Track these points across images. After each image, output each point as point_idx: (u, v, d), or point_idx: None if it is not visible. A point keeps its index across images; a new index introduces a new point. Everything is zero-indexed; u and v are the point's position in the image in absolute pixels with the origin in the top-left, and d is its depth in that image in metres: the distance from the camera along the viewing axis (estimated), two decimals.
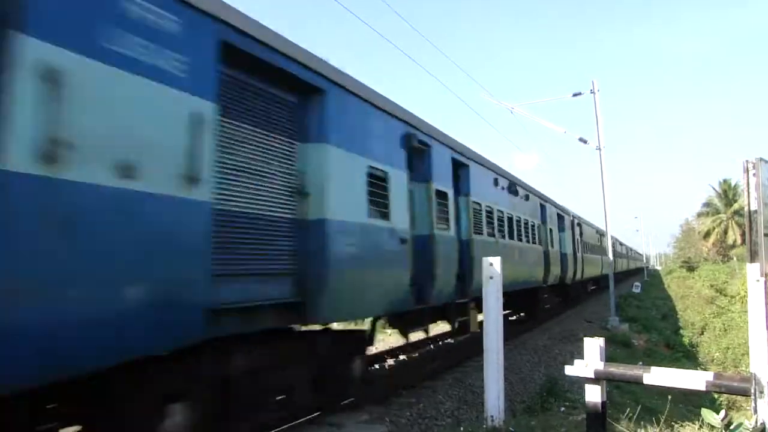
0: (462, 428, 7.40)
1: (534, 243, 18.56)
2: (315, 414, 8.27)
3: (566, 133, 29.53)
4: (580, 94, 25.06)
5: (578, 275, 27.58)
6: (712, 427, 4.84)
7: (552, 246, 21.31)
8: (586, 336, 6.19)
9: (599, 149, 24.60)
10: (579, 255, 28.02)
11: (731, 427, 4.61)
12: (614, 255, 40.71)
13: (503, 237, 14.71)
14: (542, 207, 20.86)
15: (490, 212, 13.76)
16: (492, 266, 7.88)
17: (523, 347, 15.58)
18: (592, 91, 24.61)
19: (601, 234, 37.22)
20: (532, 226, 18.55)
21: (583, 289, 34.68)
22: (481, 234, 12.86)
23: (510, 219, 15.57)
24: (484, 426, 7.28)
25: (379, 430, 7.88)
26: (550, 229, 21.52)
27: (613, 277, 25.49)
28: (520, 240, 16.61)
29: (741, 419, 4.86)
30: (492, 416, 7.41)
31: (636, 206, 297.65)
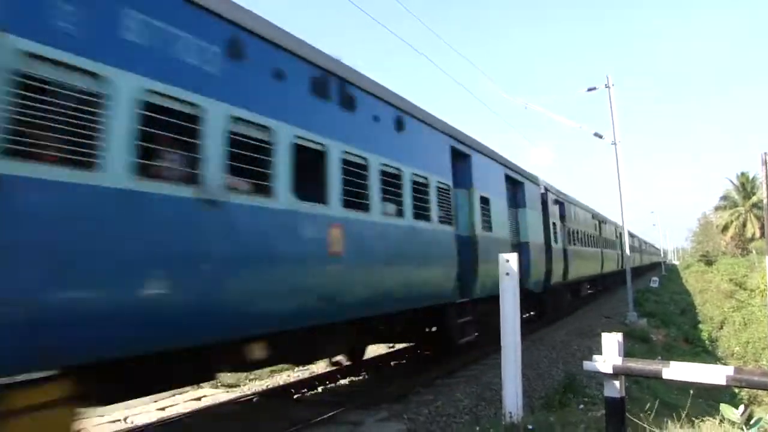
0: (480, 426, 7.42)
1: (426, 220, 9.87)
2: (334, 412, 8.33)
3: (581, 128, 29.33)
4: (594, 89, 24.88)
5: (558, 277, 19.24)
6: (733, 422, 4.82)
7: (487, 229, 12.39)
8: (603, 331, 6.17)
9: (614, 144, 24.46)
10: (559, 247, 19.77)
11: (751, 422, 4.58)
12: (622, 247, 38.78)
13: (296, 196, 6.80)
14: (458, 156, 11.71)
15: (220, 131, 5.80)
16: (508, 263, 7.89)
17: (541, 343, 15.54)
18: (606, 86, 24.47)
19: (602, 221, 32.21)
20: (423, 186, 9.92)
21: (573, 296, 25.89)
22: (157, 179, 5.22)
23: (323, 157, 7.46)
24: (503, 423, 7.28)
25: (398, 427, 7.91)
26: (484, 199, 12.45)
27: (630, 271, 25.34)
28: (366, 209, 8.18)
29: (762, 414, 4.83)
30: (510, 413, 7.41)
31: (652, 201, 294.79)
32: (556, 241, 19.31)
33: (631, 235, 52.06)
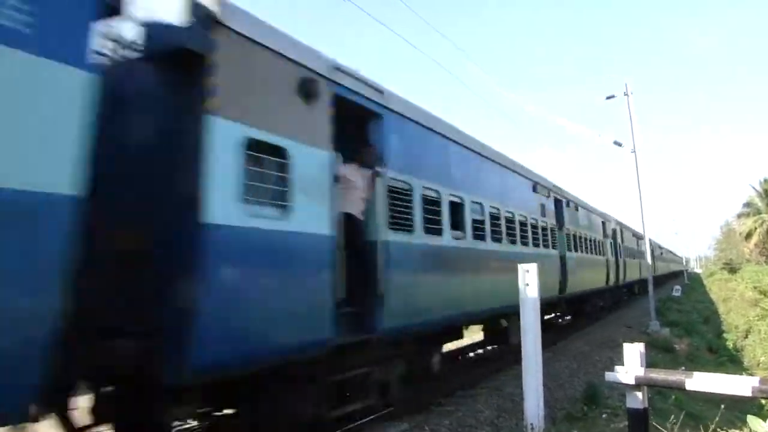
0: None
1: None
2: (355, 423, 8.32)
3: (600, 137, 29.13)
4: (613, 96, 24.81)
5: (316, 328, 6.39)
6: None
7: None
8: (625, 341, 6.13)
9: (634, 152, 24.30)
10: (319, 232, 6.54)
11: None
12: (624, 254, 29.98)
13: None
14: None
15: None
16: (528, 273, 7.87)
17: (562, 354, 15.42)
18: (625, 94, 24.37)
19: (567, 202, 18.97)
20: None
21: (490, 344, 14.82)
22: None
23: None
24: None
25: None
26: None
27: (652, 280, 25.08)
28: None
29: None
30: (531, 424, 7.37)
31: (674, 208, 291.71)
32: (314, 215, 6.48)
33: (640, 238, 35.55)
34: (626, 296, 35.99)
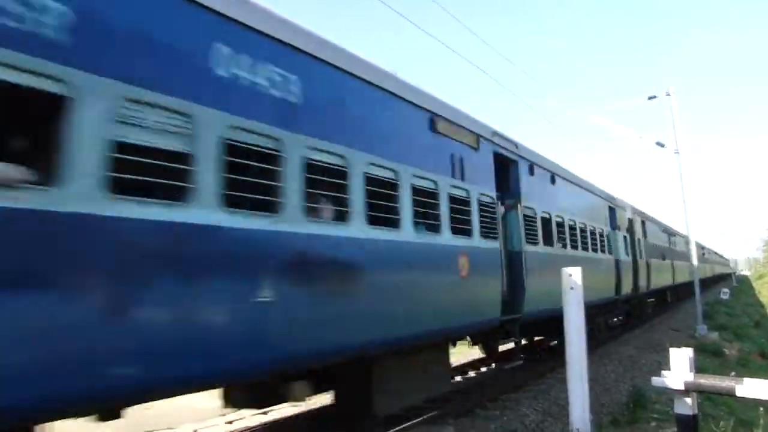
0: None
1: None
2: (400, 426, 8.41)
3: (641, 138, 28.70)
4: (654, 97, 24.40)
5: None
6: None
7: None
8: (672, 346, 6.07)
9: (677, 153, 23.86)
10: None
11: None
12: (647, 253, 23.81)
13: None
14: None
15: None
16: (572, 277, 7.82)
17: (608, 358, 15.24)
18: (667, 94, 23.95)
19: (505, 156, 10.71)
20: None
21: None
22: None
23: None
24: None
25: None
26: None
27: (698, 282, 24.55)
28: None
29: None
30: (577, 429, 7.33)
31: (722, 210, 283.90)
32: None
33: (672, 234, 33.10)
34: (651, 308, 28.21)
